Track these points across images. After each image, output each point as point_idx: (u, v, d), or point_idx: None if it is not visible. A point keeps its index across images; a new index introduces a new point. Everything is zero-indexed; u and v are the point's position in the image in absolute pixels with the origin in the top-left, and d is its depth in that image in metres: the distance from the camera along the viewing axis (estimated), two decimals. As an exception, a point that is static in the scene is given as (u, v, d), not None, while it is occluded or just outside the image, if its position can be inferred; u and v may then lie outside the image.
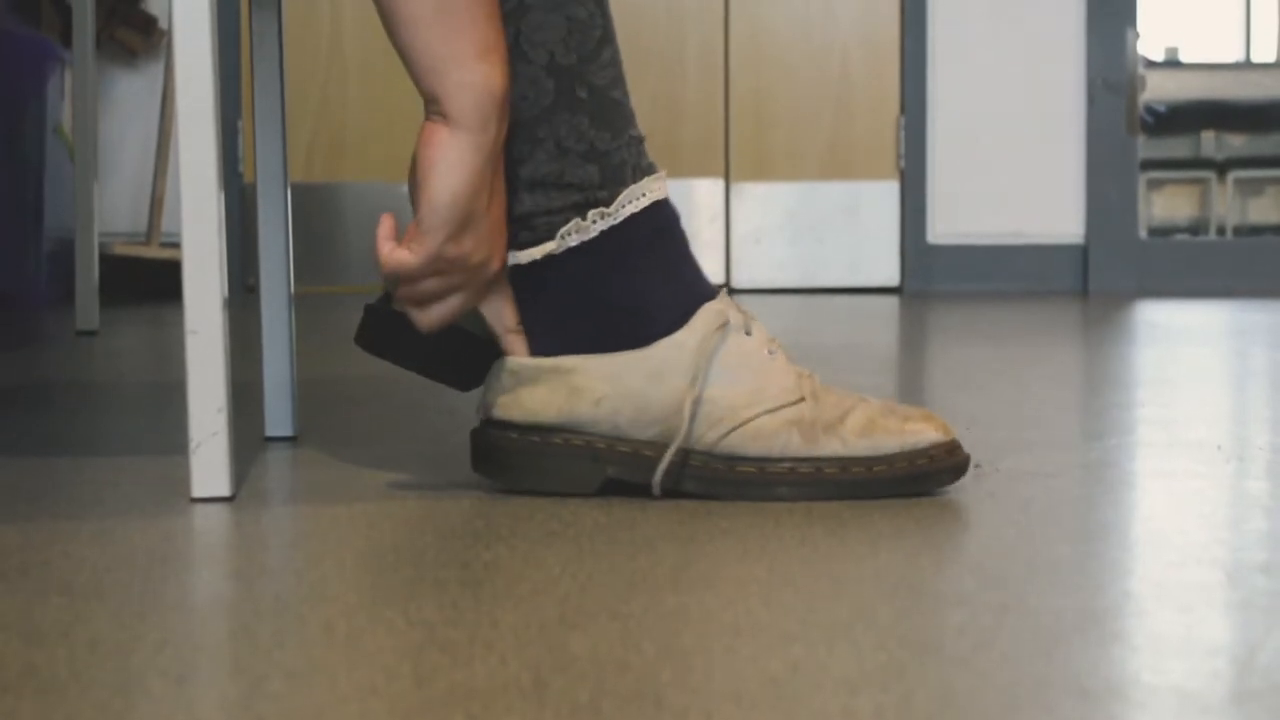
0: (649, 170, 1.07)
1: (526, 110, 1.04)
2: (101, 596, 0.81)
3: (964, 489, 1.10)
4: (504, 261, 1.05)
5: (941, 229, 3.79)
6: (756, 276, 3.76)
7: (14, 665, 0.69)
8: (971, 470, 1.17)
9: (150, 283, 3.41)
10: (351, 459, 1.25)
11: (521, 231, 1.06)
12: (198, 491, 1.06)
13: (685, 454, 1.06)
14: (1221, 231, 6.53)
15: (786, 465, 1.05)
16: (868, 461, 1.05)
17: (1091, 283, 3.75)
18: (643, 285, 1.06)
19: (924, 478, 1.06)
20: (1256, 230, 6.66)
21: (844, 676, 0.67)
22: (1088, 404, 1.69)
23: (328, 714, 0.62)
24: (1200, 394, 1.77)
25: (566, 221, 1.05)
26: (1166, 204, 6.64)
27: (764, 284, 3.75)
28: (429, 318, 1.05)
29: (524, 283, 1.07)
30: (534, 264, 1.06)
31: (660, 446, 1.05)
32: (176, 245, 3.32)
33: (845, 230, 3.76)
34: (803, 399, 1.06)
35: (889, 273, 3.78)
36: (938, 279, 3.77)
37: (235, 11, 3.46)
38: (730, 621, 0.76)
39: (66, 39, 3.15)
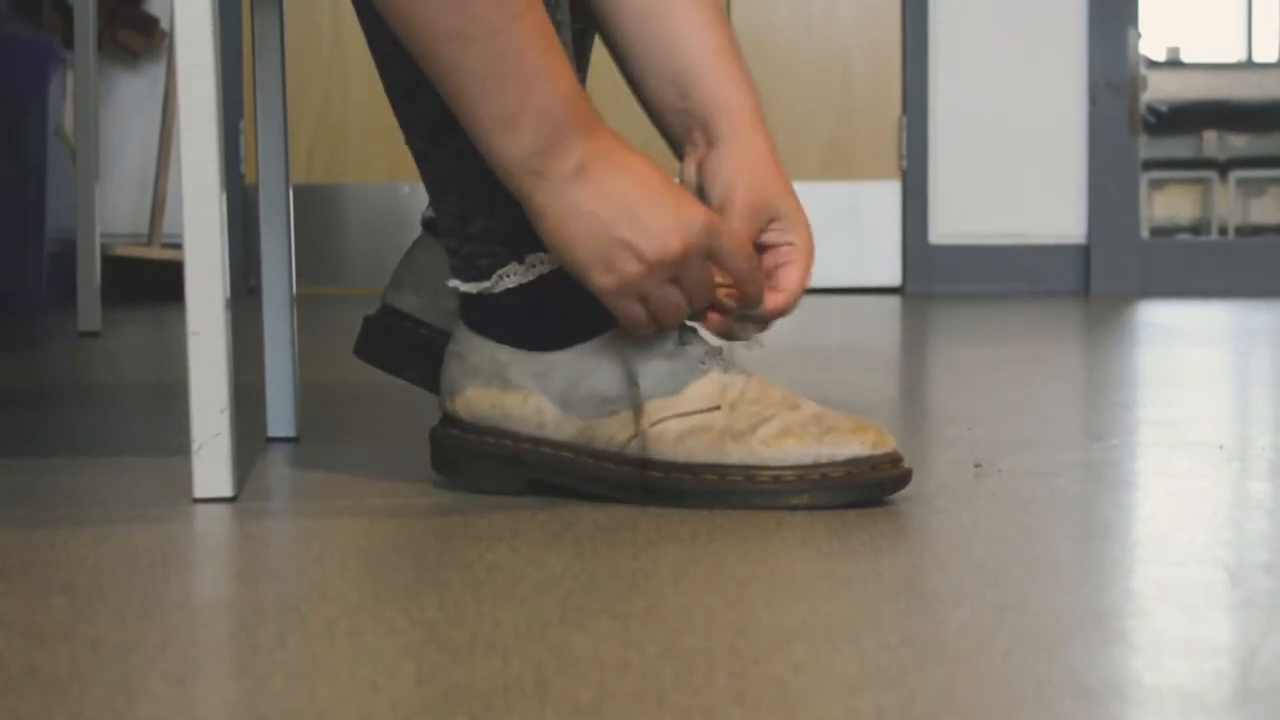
0: None
1: (480, 167, 1.03)
2: (103, 596, 0.82)
3: (966, 489, 1.10)
4: (685, 237, 1.00)
5: (943, 229, 3.79)
6: (758, 277, 3.75)
7: (16, 665, 0.69)
8: (972, 470, 1.17)
9: (152, 284, 3.41)
10: (353, 459, 1.25)
11: (467, 269, 1.07)
12: (200, 492, 1.06)
13: (602, 457, 1.06)
14: (1223, 231, 6.53)
15: (691, 472, 1.04)
16: (774, 470, 1.03)
17: (1093, 283, 3.75)
18: (574, 300, 1.05)
19: (853, 488, 1.02)
20: (1258, 230, 6.66)
21: (846, 676, 0.67)
22: (1089, 404, 1.69)
23: (330, 713, 0.62)
24: (1202, 394, 1.77)
25: (505, 264, 1.06)
26: (1168, 204, 6.64)
27: (765, 284, 3.75)
28: (675, 316, 1.03)
29: (470, 302, 1.08)
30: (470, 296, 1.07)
31: (579, 449, 1.06)
32: (178, 246, 3.31)
33: (846, 230, 3.76)
34: (717, 408, 1.04)
35: (890, 273, 3.78)
36: (939, 279, 3.77)
37: (237, 12, 3.46)
38: (732, 621, 0.76)
39: (68, 40, 3.15)
